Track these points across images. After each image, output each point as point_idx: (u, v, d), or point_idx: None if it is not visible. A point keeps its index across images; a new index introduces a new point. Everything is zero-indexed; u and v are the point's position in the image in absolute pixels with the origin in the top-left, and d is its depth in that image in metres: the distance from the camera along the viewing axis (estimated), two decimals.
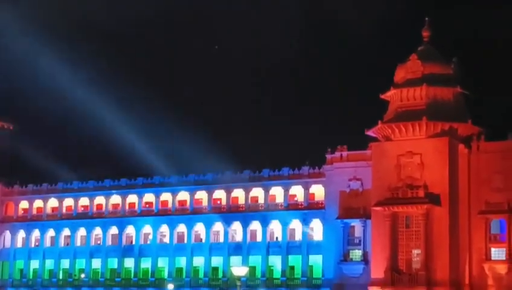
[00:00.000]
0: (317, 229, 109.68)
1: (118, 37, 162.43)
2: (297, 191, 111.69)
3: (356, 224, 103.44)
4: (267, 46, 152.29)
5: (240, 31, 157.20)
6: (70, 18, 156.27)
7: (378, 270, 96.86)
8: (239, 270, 38.75)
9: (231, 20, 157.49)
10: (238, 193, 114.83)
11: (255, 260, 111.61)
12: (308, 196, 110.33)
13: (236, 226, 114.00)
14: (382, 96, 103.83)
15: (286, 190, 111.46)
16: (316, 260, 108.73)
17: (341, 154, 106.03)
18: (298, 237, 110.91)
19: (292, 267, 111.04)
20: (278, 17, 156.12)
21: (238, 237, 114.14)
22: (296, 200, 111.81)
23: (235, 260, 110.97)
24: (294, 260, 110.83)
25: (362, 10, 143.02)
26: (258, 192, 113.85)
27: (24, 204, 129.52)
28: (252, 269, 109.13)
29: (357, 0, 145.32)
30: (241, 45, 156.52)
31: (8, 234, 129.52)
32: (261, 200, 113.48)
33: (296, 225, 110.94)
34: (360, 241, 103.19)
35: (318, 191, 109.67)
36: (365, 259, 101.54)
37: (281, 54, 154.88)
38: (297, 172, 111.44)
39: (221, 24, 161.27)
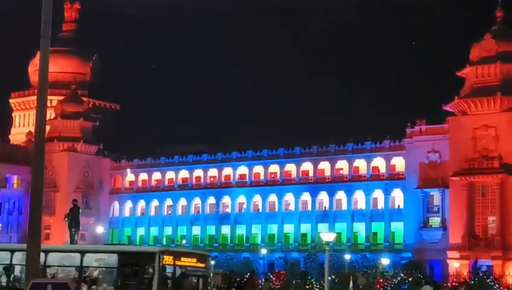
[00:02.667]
0: (398, 198, 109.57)
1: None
2: (379, 163, 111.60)
3: (435, 193, 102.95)
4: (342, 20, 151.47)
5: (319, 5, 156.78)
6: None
7: (456, 236, 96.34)
8: (327, 236, 39.19)
9: None
10: (324, 165, 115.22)
11: (341, 226, 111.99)
12: (390, 167, 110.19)
13: (323, 196, 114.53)
14: (458, 74, 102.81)
15: (369, 162, 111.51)
16: (398, 227, 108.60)
17: (420, 128, 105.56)
18: (380, 205, 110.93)
19: (375, 234, 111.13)
20: None
21: (325, 206, 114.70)
22: (378, 172, 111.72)
23: (322, 226, 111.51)
24: (377, 227, 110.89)
25: None
26: (342, 164, 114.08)
27: (130, 177, 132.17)
28: (338, 235, 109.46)
29: None
30: (316, 19, 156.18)
31: (116, 205, 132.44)
32: (346, 172, 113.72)
33: (378, 194, 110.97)
34: (438, 209, 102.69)
35: (399, 162, 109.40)
36: (444, 226, 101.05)
37: (358, 27, 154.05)
38: (379, 145, 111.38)
39: None
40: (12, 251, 31.51)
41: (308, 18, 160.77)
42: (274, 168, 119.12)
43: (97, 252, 30.76)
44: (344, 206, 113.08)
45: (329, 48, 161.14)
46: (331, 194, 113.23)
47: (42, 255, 29.96)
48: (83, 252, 29.48)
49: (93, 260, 29.44)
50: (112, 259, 28.32)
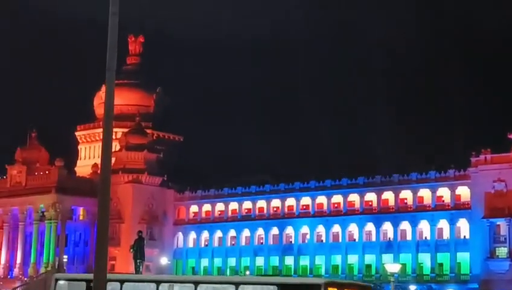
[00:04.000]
0: (463, 228, 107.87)
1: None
2: (444, 193, 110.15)
3: (501, 223, 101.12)
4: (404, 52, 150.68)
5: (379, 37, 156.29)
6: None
7: None
8: (392, 267, 38.79)
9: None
10: (388, 195, 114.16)
11: (405, 257, 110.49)
12: (455, 197, 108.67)
13: (387, 226, 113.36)
14: None
15: (433, 192, 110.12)
16: (464, 257, 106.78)
17: (485, 157, 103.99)
18: (446, 235, 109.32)
19: (441, 264, 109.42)
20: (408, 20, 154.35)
21: (389, 236, 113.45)
22: (443, 201, 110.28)
23: (387, 257, 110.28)
24: (443, 257, 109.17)
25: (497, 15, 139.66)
26: (406, 194, 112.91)
27: (194, 208, 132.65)
28: (403, 266, 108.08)
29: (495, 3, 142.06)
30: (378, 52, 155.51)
31: (180, 236, 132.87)
32: (410, 202, 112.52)
33: (443, 224, 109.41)
34: (505, 239, 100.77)
35: (464, 192, 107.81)
36: (511, 256, 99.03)
37: (422, 56, 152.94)
38: (443, 175, 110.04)
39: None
40: (122, 281, 30.78)
41: (369, 50, 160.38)
42: (337, 198, 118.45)
43: (254, 284, 29.30)
44: (409, 237, 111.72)
45: (394, 77, 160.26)
46: (396, 225, 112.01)
47: (191, 287, 28.63)
48: (237, 284, 28.28)
49: None
50: None
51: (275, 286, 27.27)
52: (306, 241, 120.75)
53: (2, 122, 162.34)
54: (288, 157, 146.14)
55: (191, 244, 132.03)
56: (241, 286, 28.09)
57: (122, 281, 31.11)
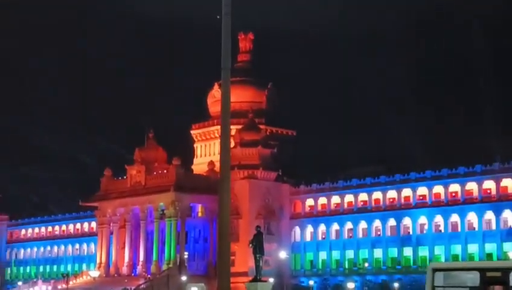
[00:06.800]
0: None
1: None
2: None
3: None
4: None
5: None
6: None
7: None
8: None
9: None
10: (508, 183, 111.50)
11: None
12: None
13: (508, 214, 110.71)
14: None
15: None
16: None
17: None
18: None
19: None
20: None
21: (510, 224, 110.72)
22: None
23: (508, 245, 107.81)
24: None
25: None
26: None
27: (310, 201, 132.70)
28: None
29: None
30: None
31: (297, 229, 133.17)
32: None
33: None
34: None
35: None
36: None
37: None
38: None
39: None
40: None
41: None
42: (454, 187, 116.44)
43: None
44: None
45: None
46: None
47: None
48: None
49: None
50: None
51: None
52: (424, 231, 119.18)
53: (120, 124, 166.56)
54: (403, 147, 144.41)
55: (308, 237, 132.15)
56: None
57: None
